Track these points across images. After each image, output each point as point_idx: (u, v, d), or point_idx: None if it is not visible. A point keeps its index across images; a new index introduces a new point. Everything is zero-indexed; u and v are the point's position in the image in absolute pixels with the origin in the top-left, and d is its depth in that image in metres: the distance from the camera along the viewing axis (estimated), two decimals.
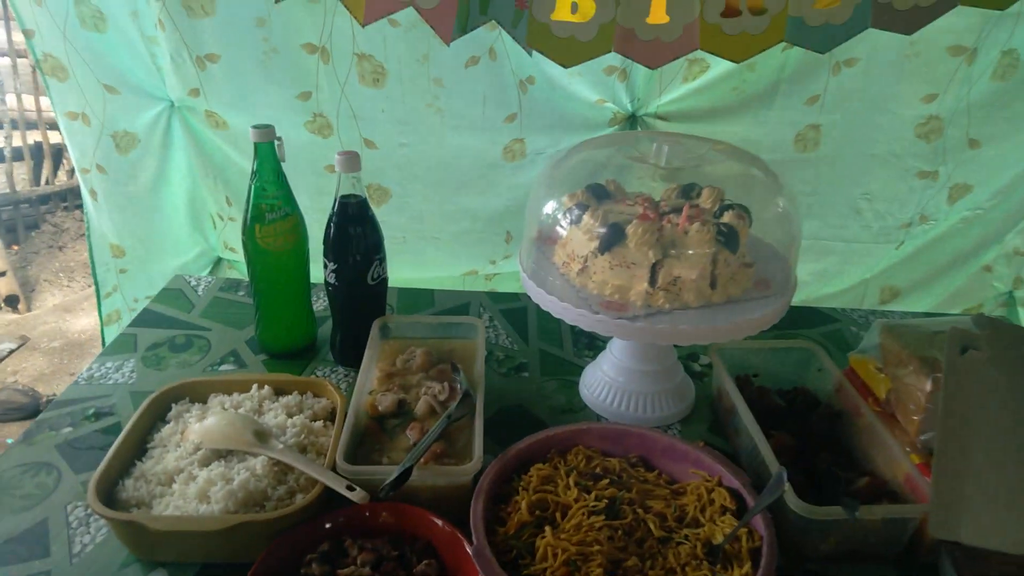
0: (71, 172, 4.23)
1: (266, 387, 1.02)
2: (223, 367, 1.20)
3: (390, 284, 1.19)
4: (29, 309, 3.38)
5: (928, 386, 0.88)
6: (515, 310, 1.39)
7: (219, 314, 1.35)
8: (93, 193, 1.91)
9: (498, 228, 1.87)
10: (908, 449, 0.90)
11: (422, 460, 0.87)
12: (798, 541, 0.84)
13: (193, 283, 1.46)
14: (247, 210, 1.09)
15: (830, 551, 0.85)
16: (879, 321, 1.02)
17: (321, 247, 1.11)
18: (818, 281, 1.99)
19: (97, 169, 1.85)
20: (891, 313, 1.48)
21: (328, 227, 1.09)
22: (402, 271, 1.84)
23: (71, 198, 4.15)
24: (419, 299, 1.42)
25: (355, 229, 1.08)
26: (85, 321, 3.28)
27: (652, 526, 0.82)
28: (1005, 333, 0.82)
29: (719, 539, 0.80)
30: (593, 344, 1.28)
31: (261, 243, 1.10)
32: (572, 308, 0.94)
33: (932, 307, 1.98)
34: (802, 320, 1.38)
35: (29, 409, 2.62)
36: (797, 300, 1.96)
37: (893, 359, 0.96)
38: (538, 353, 1.26)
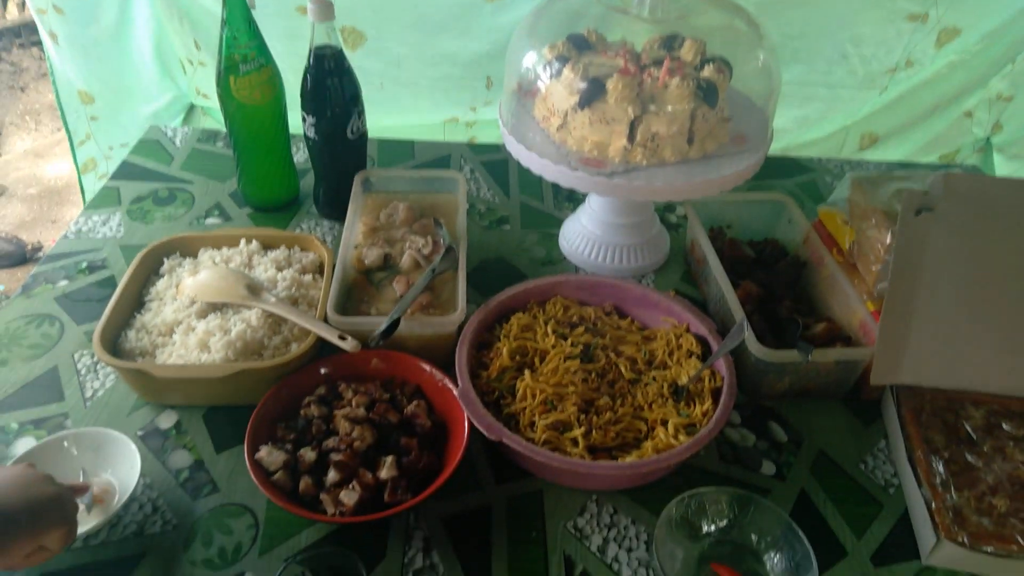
0: (22, 4, 3.97)
1: (254, 242, 1.05)
2: (209, 220, 1.22)
3: (370, 134, 1.19)
4: None
5: (888, 239, 0.92)
6: (496, 162, 1.39)
7: (199, 166, 1.35)
8: (53, 36, 1.82)
9: (478, 73, 1.82)
10: (865, 297, 0.96)
11: (409, 311, 0.92)
12: (757, 381, 0.92)
13: (169, 134, 1.44)
14: (220, 61, 1.06)
15: (786, 389, 0.93)
16: (849, 175, 1.05)
17: (299, 97, 1.10)
18: (799, 128, 1.99)
19: (55, 10, 1.75)
20: (866, 163, 1.51)
21: (304, 80, 1.07)
22: (380, 118, 1.80)
23: (26, 34, 3.92)
24: (399, 151, 1.42)
25: (332, 82, 1.06)
26: (60, 166, 3.22)
27: (623, 368, 0.89)
28: (961, 192, 0.86)
29: (684, 380, 0.88)
30: (573, 197, 1.30)
31: (237, 96, 1.08)
32: (551, 164, 0.96)
33: (909, 154, 1.99)
34: (778, 170, 1.40)
35: (16, 257, 2.64)
36: (777, 148, 1.97)
37: (859, 212, 1.00)
38: (519, 206, 1.29)
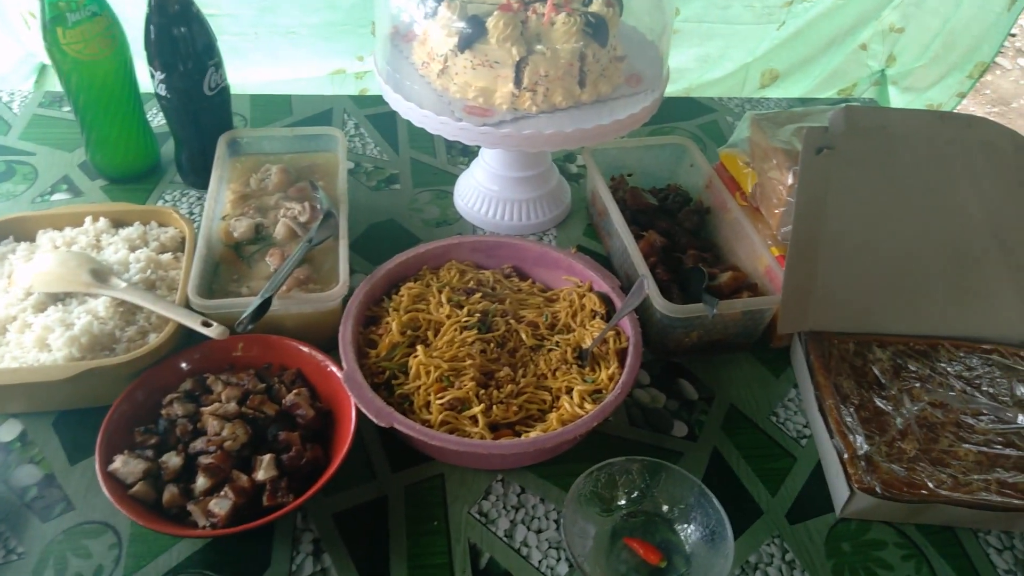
0: None
1: (102, 219, 0.92)
2: (55, 196, 1.07)
3: (245, 90, 1.06)
4: None
5: (789, 180, 0.88)
6: (383, 115, 1.28)
7: (43, 135, 1.19)
8: None
9: (362, 18, 1.68)
10: (769, 242, 0.92)
11: (284, 288, 0.82)
12: (664, 337, 0.88)
13: (6, 98, 1.26)
14: (43, 10, 0.91)
15: (694, 344, 0.89)
16: (749, 114, 1.01)
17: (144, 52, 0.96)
18: (701, 67, 1.95)
19: None
20: (766, 101, 1.47)
21: (147, 30, 0.94)
22: (257, 73, 1.66)
23: None
24: (274, 107, 1.29)
25: (179, 31, 0.93)
26: None
27: (524, 335, 0.83)
28: (861, 126, 0.82)
29: (588, 343, 0.82)
30: (468, 151, 1.21)
31: (69, 51, 0.94)
32: (433, 115, 0.87)
33: (809, 89, 1.99)
34: (679, 112, 1.35)
35: None
36: (679, 88, 1.94)
37: (759, 153, 0.95)
38: (409, 163, 1.19)
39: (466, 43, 0.85)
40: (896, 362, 0.84)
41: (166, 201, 1.08)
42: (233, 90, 1.06)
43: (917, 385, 0.81)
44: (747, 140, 0.99)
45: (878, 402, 0.79)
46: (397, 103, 0.90)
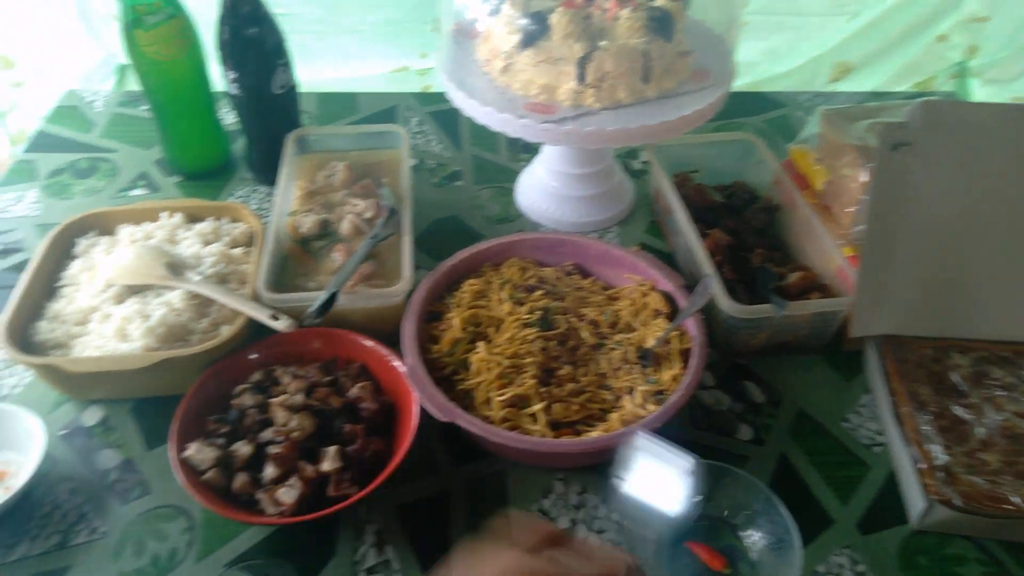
0: None
1: (178, 215, 0.95)
2: (134, 192, 1.12)
3: (311, 88, 1.09)
4: None
5: (863, 177, 0.85)
6: (446, 112, 1.29)
7: (123, 133, 1.24)
8: None
9: (425, 16, 1.70)
10: (841, 241, 0.89)
11: (349, 283, 0.84)
12: (729, 338, 0.86)
13: (89, 98, 1.32)
14: (122, 14, 0.95)
15: (761, 345, 0.87)
16: (820, 109, 0.97)
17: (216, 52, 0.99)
18: (769, 60, 1.90)
19: None
20: (839, 94, 1.43)
21: (220, 30, 0.97)
22: (324, 71, 1.69)
23: None
24: (340, 105, 1.31)
25: (250, 31, 0.96)
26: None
27: (585, 334, 0.83)
28: (942, 122, 0.78)
29: (651, 343, 0.81)
30: (529, 147, 1.20)
31: (147, 52, 0.98)
32: (495, 112, 0.87)
33: (883, 83, 1.92)
34: (746, 107, 1.31)
35: None
36: (745, 83, 1.89)
37: (831, 149, 0.92)
38: (471, 159, 1.19)
39: (529, 40, 0.84)
40: (978, 369, 0.80)
41: (237, 197, 1.11)
42: (300, 88, 1.09)
43: (1001, 394, 0.77)
44: (818, 136, 0.96)
45: (957, 411, 0.76)
46: (460, 100, 0.91)
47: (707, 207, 0.99)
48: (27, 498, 0.73)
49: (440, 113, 1.29)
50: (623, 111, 0.87)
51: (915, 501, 0.71)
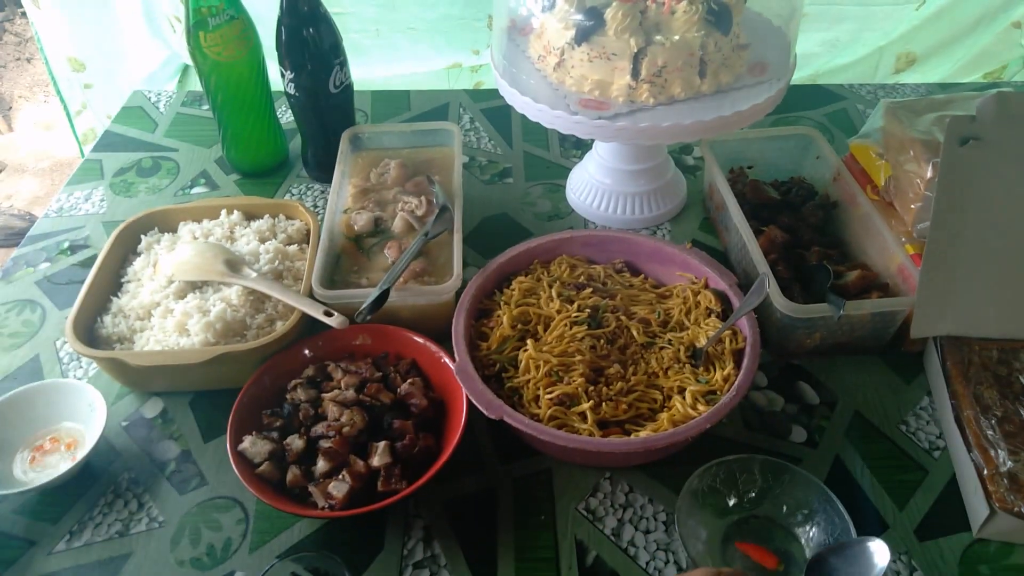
0: None
1: (236, 212, 0.98)
2: (195, 190, 1.15)
3: (366, 86, 1.10)
4: (11, 129, 3.27)
5: (928, 172, 0.82)
6: (497, 109, 1.29)
7: (184, 132, 1.28)
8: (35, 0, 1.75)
9: (479, 12, 1.70)
10: (903, 239, 0.86)
11: (400, 280, 0.85)
12: (784, 338, 0.84)
13: (153, 99, 1.36)
14: (187, 16, 0.98)
15: (816, 345, 0.85)
16: (883, 102, 0.94)
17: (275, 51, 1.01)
18: (829, 52, 1.84)
19: None
20: (902, 87, 1.38)
21: (279, 31, 0.99)
22: (378, 69, 1.71)
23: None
24: (394, 102, 1.33)
25: (308, 31, 0.97)
26: (70, 140, 3.17)
27: (635, 332, 0.82)
28: (1015, 114, 0.74)
29: (702, 342, 0.80)
30: (581, 143, 1.20)
31: (209, 53, 1.00)
32: (548, 109, 0.87)
33: (950, 73, 1.84)
34: (804, 100, 1.28)
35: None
36: (803, 75, 1.84)
37: (894, 144, 0.89)
38: (523, 156, 1.19)
39: (583, 35, 0.84)
40: None
41: (293, 195, 1.13)
42: (355, 86, 1.10)
43: None
44: (881, 130, 0.93)
45: None
46: (512, 97, 0.91)
47: (762, 203, 0.97)
48: (88, 468, 0.78)
49: (491, 110, 1.30)
50: (678, 107, 0.86)
51: (977, 508, 0.68)
